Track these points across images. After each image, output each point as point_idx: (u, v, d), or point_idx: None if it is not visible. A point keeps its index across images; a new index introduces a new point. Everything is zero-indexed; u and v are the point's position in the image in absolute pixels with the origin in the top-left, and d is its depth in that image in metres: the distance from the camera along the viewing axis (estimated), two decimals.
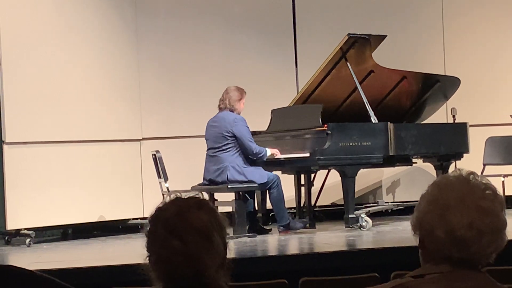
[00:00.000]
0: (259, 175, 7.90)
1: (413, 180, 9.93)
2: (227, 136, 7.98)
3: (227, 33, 9.86)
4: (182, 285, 2.12)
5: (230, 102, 8.07)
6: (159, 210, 2.18)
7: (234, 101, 8.07)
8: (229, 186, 7.86)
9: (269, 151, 8.06)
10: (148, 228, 2.18)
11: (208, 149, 8.17)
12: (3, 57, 8.49)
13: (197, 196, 2.22)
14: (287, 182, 8.54)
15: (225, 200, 7.96)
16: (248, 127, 8.03)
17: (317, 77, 8.51)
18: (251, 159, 8.08)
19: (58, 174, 8.71)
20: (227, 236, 2.22)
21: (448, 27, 10.21)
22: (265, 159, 8.05)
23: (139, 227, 8.81)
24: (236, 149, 7.99)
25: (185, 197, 2.20)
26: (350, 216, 7.88)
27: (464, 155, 8.69)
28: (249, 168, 7.97)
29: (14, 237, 8.39)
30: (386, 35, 8.58)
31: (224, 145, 7.99)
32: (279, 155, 8.12)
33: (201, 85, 9.70)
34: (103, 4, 9.26)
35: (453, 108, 9.04)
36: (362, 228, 7.87)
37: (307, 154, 7.90)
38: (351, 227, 7.86)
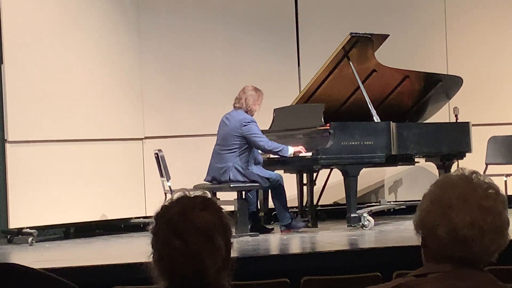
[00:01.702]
0: (261, 178, 7.89)
1: (415, 179, 9.93)
2: (235, 136, 7.97)
3: (230, 31, 9.86)
4: (183, 284, 2.12)
5: (247, 103, 8.05)
6: (164, 208, 2.18)
7: (251, 102, 8.06)
8: (231, 185, 7.86)
9: (291, 149, 8.02)
10: (153, 226, 2.18)
11: (216, 145, 8.17)
12: (6, 55, 8.50)
13: (203, 195, 2.21)
14: (290, 182, 8.53)
15: (227, 199, 7.96)
16: (257, 126, 8.01)
17: (319, 76, 8.51)
18: (256, 160, 8.07)
19: (60, 173, 8.71)
20: (232, 236, 2.21)
21: (451, 26, 10.21)
22: (287, 156, 8.01)
23: (141, 225, 8.81)
24: (242, 150, 7.97)
25: (191, 196, 2.19)
26: (352, 215, 7.88)
27: (467, 154, 8.69)
28: (252, 170, 7.96)
29: (17, 236, 8.39)
30: (389, 34, 8.58)
31: (231, 145, 7.98)
32: (304, 153, 8.05)
33: (203, 84, 9.70)
34: (105, 3, 9.26)
35: (456, 107, 9.03)
36: (364, 228, 7.87)
37: (309, 153, 7.91)
38: (353, 227, 7.86)
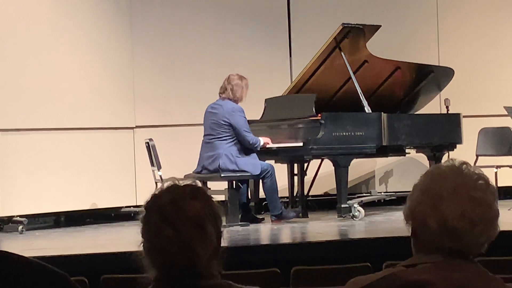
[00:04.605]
0: (252, 165, 7.89)
1: (406, 170, 9.95)
2: (224, 125, 7.97)
3: (222, 21, 9.84)
4: (175, 273, 2.12)
5: (234, 93, 8.04)
6: (154, 197, 2.18)
7: (238, 92, 8.05)
8: (222, 175, 7.86)
9: (262, 141, 8.07)
10: (143, 215, 2.18)
11: (204, 136, 8.17)
12: None
13: (193, 184, 2.21)
14: (280, 172, 8.54)
15: (218, 189, 7.96)
16: (245, 118, 8.02)
17: (311, 66, 8.51)
18: (246, 149, 8.07)
19: (51, 161, 8.70)
20: (222, 225, 2.22)
21: (443, 17, 10.21)
22: (259, 149, 8.05)
23: (132, 215, 8.81)
24: (232, 138, 7.98)
25: (182, 185, 2.19)
26: (342, 205, 7.89)
27: (457, 146, 8.71)
28: (243, 158, 7.96)
29: (7, 224, 8.38)
30: (381, 25, 8.57)
31: (220, 133, 7.99)
32: (271, 144, 8.13)
33: (195, 74, 9.69)
34: None
35: (447, 98, 9.04)
36: (354, 218, 7.88)
37: (301, 144, 7.91)
38: (343, 217, 7.87)
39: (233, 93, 8.04)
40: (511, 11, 10.34)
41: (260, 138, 8.08)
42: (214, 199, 2.21)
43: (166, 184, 2.20)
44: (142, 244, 2.15)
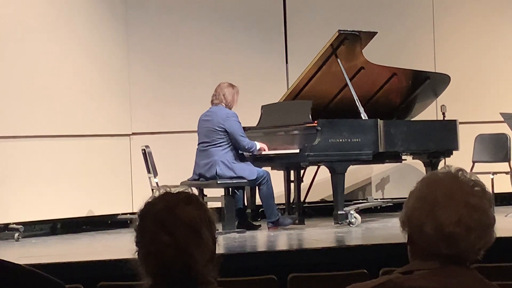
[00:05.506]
0: (248, 171, 7.90)
1: (402, 177, 9.95)
2: (219, 131, 7.99)
3: (218, 28, 9.84)
4: (171, 280, 2.12)
5: (226, 98, 8.09)
6: (148, 204, 2.18)
7: (229, 98, 8.10)
8: (218, 182, 7.86)
9: (258, 145, 8.07)
10: (137, 223, 2.18)
11: (199, 144, 8.18)
12: None
13: (186, 190, 2.22)
14: (277, 178, 8.53)
15: (214, 196, 7.97)
16: (240, 123, 8.05)
17: (307, 73, 8.51)
18: (242, 155, 8.08)
19: (47, 168, 8.68)
20: (216, 231, 2.23)
21: (439, 24, 10.23)
22: (256, 153, 8.05)
23: (128, 222, 8.79)
24: (227, 144, 7.99)
25: (175, 192, 2.20)
26: (339, 212, 7.89)
27: (454, 152, 8.71)
28: (239, 164, 7.97)
29: (3, 232, 8.36)
30: (377, 32, 8.58)
31: (215, 140, 8.00)
32: (267, 151, 8.13)
33: (191, 80, 9.69)
34: None
35: (443, 105, 9.04)
36: (351, 225, 7.88)
37: (297, 150, 7.91)
38: (340, 224, 7.87)
39: (225, 98, 8.09)
40: (507, 16, 10.36)
41: (256, 142, 8.09)
42: (207, 205, 2.22)
43: (158, 192, 2.21)
44: (137, 252, 2.15)
